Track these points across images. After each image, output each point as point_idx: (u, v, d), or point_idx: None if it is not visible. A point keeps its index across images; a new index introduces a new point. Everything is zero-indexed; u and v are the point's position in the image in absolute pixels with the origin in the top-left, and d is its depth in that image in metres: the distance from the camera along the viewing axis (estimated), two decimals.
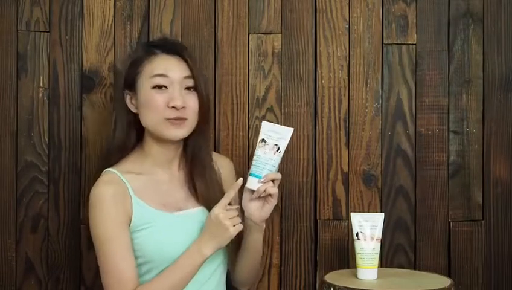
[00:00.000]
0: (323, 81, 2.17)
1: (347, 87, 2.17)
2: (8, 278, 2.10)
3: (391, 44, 2.18)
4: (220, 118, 2.15)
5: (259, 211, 1.84)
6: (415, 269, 2.15)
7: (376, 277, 1.88)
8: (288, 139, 1.83)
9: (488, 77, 2.20)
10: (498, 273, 2.19)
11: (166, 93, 1.83)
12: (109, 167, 1.86)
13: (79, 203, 2.09)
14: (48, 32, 2.12)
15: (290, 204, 2.16)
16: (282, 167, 2.14)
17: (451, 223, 2.19)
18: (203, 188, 1.90)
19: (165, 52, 1.87)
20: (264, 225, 1.88)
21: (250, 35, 2.16)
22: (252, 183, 1.82)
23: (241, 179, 1.81)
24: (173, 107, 1.81)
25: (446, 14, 2.19)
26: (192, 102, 1.85)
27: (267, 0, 2.16)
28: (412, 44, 2.18)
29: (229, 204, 1.81)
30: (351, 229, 1.91)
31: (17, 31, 2.11)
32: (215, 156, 1.98)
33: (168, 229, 1.82)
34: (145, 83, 1.85)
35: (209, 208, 1.86)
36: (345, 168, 2.16)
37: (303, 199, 2.16)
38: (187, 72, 1.85)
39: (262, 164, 1.82)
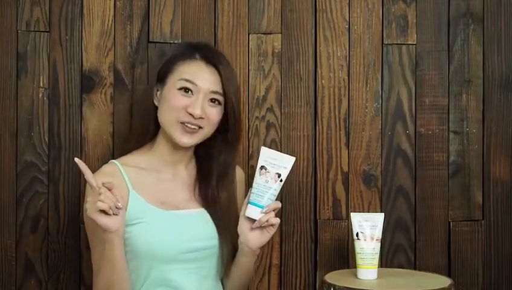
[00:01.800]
0: (323, 81, 2.17)
1: (347, 87, 2.17)
2: (8, 278, 2.10)
3: (391, 44, 2.18)
4: None
5: (257, 239, 1.83)
6: (415, 269, 2.15)
7: (376, 277, 1.88)
8: (290, 169, 1.82)
9: (488, 77, 2.20)
10: (498, 273, 2.19)
11: (190, 99, 1.85)
12: (125, 154, 1.90)
13: (79, 203, 2.09)
14: (48, 32, 2.12)
15: (290, 204, 2.15)
16: None
17: (451, 223, 2.19)
18: (226, 200, 1.90)
19: (204, 59, 1.88)
20: (259, 251, 1.87)
21: (250, 35, 2.16)
22: (253, 212, 1.81)
23: None
24: (190, 114, 1.82)
25: (446, 14, 2.19)
26: (213, 114, 1.86)
27: (267, 0, 2.16)
28: (412, 44, 2.18)
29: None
30: (351, 229, 1.91)
31: (17, 31, 2.11)
32: None
33: (161, 226, 1.82)
34: (173, 81, 1.86)
35: (216, 211, 1.88)
36: (345, 168, 2.16)
37: (303, 199, 2.16)
38: (217, 88, 1.86)
39: (263, 192, 1.81)
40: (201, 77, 1.86)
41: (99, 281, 1.77)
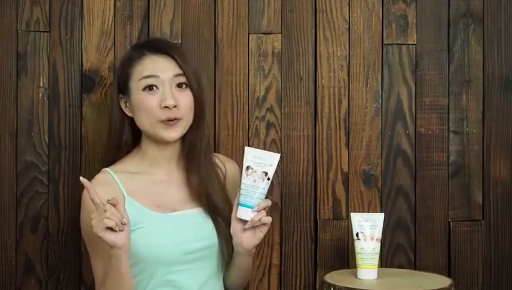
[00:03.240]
0: (323, 81, 2.17)
1: (347, 87, 2.17)
2: (8, 278, 2.10)
3: (391, 44, 2.18)
4: (220, 118, 2.14)
5: (250, 239, 1.82)
6: (415, 269, 2.15)
7: (376, 277, 1.88)
8: (276, 165, 1.81)
9: (488, 77, 2.20)
10: (498, 273, 2.19)
11: (158, 94, 1.83)
12: (106, 166, 1.88)
13: (79, 203, 2.08)
14: (47, 32, 2.12)
15: (290, 204, 2.16)
16: (282, 167, 2.14)
17: (451, 223, 2.19)
18: (197, 184, 1.88)
19: (153, 52, 1.86)
20: (254, 250, 1.87)
21: (250, 35, 2.16)
22: (244, 213, 1.80)
23: None
24: (165, 107, 1.81)
25: (446, 14, 2.19)
26: (184, 100, 1.84)
27: (267, 0, 2.16)
28: (412, 44, 2.18)
29: None
30: (351, 229, 1.91)
31: (17, 31, 2.11)
32: (223, 158, 2.00)
33: (159, 230, 1.82)
34: (136, 85, 1.85)
35: (209, 207, 1.87)
36: (345, 168, 2.16)
37: (303, 199, 2.16)
38: (177, 70, 1.85)
39: (251, 193, 1.80)
40: (158, 68, 1.84)
41: None
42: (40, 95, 2.11)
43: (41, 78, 2.11)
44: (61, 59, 2.12)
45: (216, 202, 1.88)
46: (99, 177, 1.86)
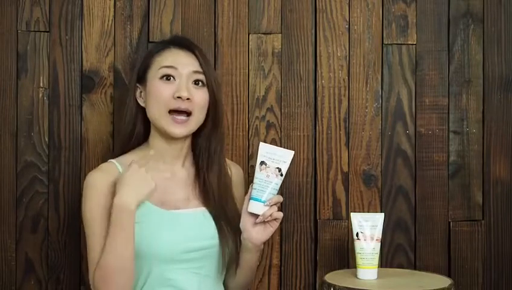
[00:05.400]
0: (323, 81, 2.17)
1: (347, 87, 2.17)
2: (8, 278, 2.10)
3: (391, 44, 2.18)
4: None
5: (260, 234, 1.83)
6: (415, 269, 2.15)
7: (376, 277, 1.88)
8: (290, 162, 1.83)
9: (488, 77, 2.20)
10: (498, 273, 2.19)
11: (173, 85, 1.84)
12: (112, 158, 1.89)
13: (79, 203, 2.08)
14: (47, 32, 2.12)
15: (290, 204, 2.16)
16: None
17: (451, 223, 2.19)
18: (216, 188, 1.89)
19: (176, 46, 1.89)
20: (262, 246, 1.88)
21: (250, 35, 2.16)
22: (256, 207, 1.81)
23: None
24: (178, 97, 1.82)
25: (446, 14, 2.19)
26: (199, 97, 1.85)
27: (267, 0, 2.16)
28: (412, 44, 2.18)
29: None
30: (351, 229, 1.91)
31: (17, 31, 2.11)
32: (229, 161, 2.00)
33: (161, 226, 1.82)
34: (154, 74, 1.86)
35: (215, 208, 1.87)
36: (345, 168, 2.16)
37: (303, 199, 2.16)
38: (197, 67, 1.86)
39: (264, 187, 1.81)
40: (179, 61, 1.86)
41: (108, 260, 1.73)
42: (40, 95, 2.11)
43: (41, 78, 2.11)
44: (61, 59, 2.12)
45: (223, 203, 1.88)
46: (103, 166, 1.87)
